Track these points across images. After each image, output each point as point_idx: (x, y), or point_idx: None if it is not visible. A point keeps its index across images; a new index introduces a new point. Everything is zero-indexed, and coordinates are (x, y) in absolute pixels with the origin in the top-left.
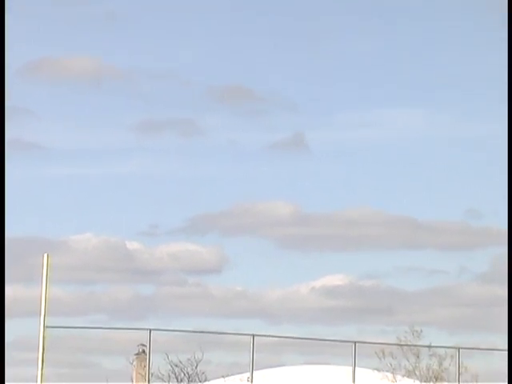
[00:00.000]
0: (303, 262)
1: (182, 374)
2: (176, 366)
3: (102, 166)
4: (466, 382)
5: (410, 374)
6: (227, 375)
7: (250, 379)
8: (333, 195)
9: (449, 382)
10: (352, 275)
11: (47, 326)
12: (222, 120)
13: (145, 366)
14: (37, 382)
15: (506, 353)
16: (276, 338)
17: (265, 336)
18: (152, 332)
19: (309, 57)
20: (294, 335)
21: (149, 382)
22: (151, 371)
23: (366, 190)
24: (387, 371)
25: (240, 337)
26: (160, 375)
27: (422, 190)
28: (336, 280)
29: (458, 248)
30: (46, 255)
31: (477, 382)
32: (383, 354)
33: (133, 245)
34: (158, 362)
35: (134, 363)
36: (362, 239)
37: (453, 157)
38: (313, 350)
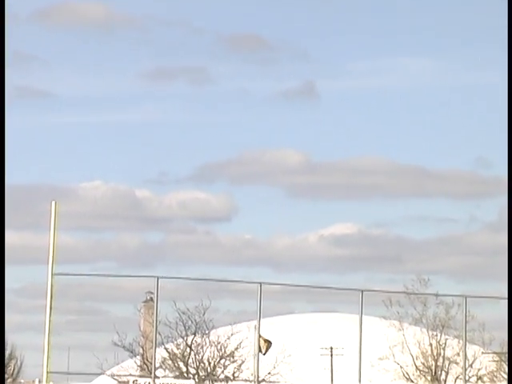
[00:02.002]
0: (312, 211)
1: (190, 322)
2: (183, 313)
3: (112, 113)
4: (473, 330)
5: (416, 322)
6: (234, 323)
7: (257, 327)
8: (342, 144)
9: (455, 330)
10: (361, 224)
11: (55, 274)
12: (234, 68)
13: (152, 314)
14: (44, 329)
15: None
16: (284, 286)
17: (272, 284)
18: (160, 280)
19: (321, 6)
20: (302, 283)
21: (156, 329)
22: (159, 319)
23: (376, 139)
24: (394, 319)
25: (247, 285)
26: (167, 323)
27: (432, 139)
28: (344, 228)
29: (468, 197)
30: (53, 203)
31: (483, 330)
32: (390, 302)
33: (142, 192)
34: (165, 310)
35: (142, 311)
36: (371, 188)
37: (463, 105)
38: (320, 298)
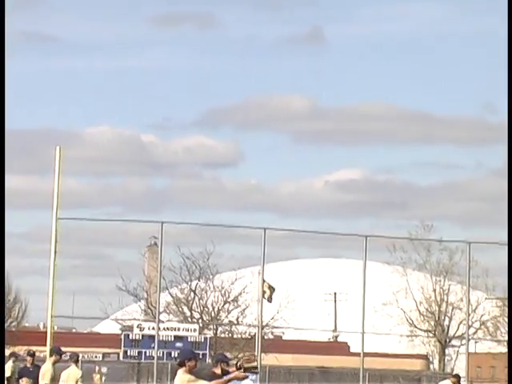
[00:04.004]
0: (317, 157)
1: (194, 267)
2: (188, 258)
3: (119, 58)
4: (477, 275)
5: (420, 267)
6: (239, 268)
7: (261, 272)
8: (349, 90)
9: (459, 275)
10: (367, 170)
11: (59, 218)
12: (241, 14)
13: (156, 259)
14: (49, 273)
15: None
16: (288, 232)
17: (277, 229)
18: (164, 224)
19: None
20: (307, 229)
21: (160, 274)
22: (163, 263)
23: (383, 85)
24: (398, 265)
25: (252, 230)
26: (172, 267)
27: (439, 85)
28: (350, 174)
29: (474, 143)
30: (58, 148)
31: (487, 275)
32: (394, 248)
33: (147, 138)
34: (169, 255)
35: (146, 255)
36: (377, 134)
37: (472, 51)
38: (325, 243)
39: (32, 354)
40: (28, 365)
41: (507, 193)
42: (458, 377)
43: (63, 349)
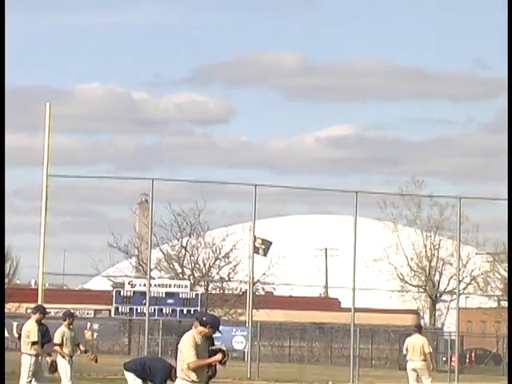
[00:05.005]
0: (309, 113)
1: (185, 224)
2: (179, 215)
3: (108, 14)
4: (467, 231)
5: (411, 223)
6: (230, 224)
7: (252, 229)
8: (340, 46)
9: (450, 231)
10: (358, 126)
11: (50, 175)
12: None
13: (147, 215)
14: (40, 230)
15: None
16: (280, 188)
17: (267, 186)
18: (155, 181)
19: None
20: (298, 185)
21: (151, 230)
22: (154, 220)
23: (374, 42)
24: (389, 221)
25: (243, 187)
26: (163, 224)
27: (430, 41)
28: (341, 130)
29: (466, 98)
30: (48, 104)
31: (477, 231)
32: (385, 203)
33: (138, 95)
34: (160, 212)
35: (137, 212)
36: (368, 90)
37: (462, 6)
38: (316, 199)
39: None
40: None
41: (507, 153)
42: (419, 326)
43: (55, 306)
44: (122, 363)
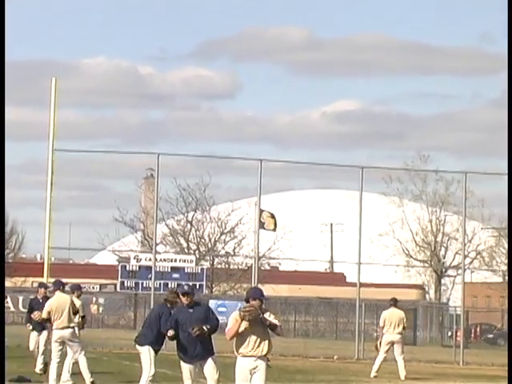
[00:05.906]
0: (314, 88)
1: (190, 198)
2: (184, 190)
3: None
4: (473, 206)
5: (416, 198)
6: (235, 199)
7: (257, 203)
8: (346, 21)
9: (455, 206)
10: (363, 100)
11: (56, 150)
12: None
13: (153, 190)
14: (46, 204)
15: None
16: (285, 163)
17: (273, 161)
18: (161, 156)
19: None
20: (303, 160)
21: (157, 205)
22: (159, 195)
23: (380, 16)
24: (394, 196)
25: (249, 161)
26: (168, 199)
27: (436, 15)
28: (347, 105)
29: (472, 73)
30: (53, 79)
31: (483, 206)
32: (390, 178)
33: (145, 69)
34: (166, 186)
35: (143, 187)
36: (374, 65)
37: None
38: (321, 174)
39: (46, 286)
40: (39, 296)
41: (507, 128)
42: (395, 300)
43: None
44: (133, 338)
